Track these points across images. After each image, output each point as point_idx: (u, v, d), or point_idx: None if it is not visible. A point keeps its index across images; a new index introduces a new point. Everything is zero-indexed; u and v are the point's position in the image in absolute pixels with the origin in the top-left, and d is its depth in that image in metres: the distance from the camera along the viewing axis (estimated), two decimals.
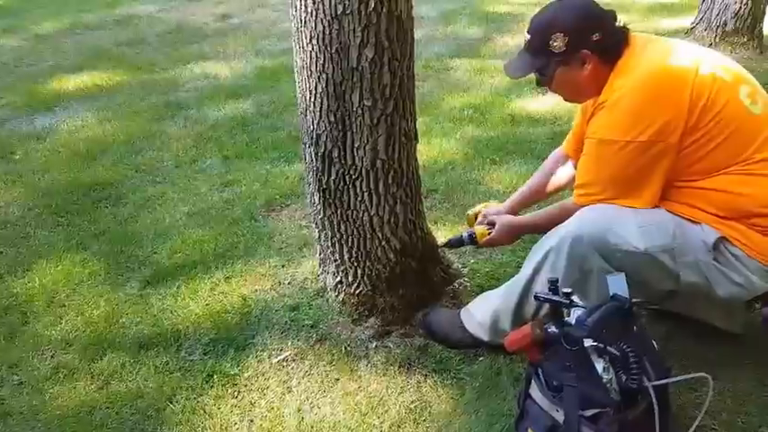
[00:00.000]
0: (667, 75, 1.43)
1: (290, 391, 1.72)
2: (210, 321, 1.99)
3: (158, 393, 1.73)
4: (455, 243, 1.87)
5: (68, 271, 2.29)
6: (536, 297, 1.41)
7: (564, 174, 1.85)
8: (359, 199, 1.72)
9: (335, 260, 1.86)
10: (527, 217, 1.81)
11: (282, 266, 2.24)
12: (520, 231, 1.80)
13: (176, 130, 3.42)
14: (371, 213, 1.74)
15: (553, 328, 1.31)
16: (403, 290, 1.89)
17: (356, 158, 1.65)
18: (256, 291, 2.12)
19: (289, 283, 2.15)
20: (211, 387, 1.75)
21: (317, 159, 1.69)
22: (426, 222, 1.95)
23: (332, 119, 1.60)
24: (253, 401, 1.70)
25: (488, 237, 1.78)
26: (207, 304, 2.08)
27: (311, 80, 1.59)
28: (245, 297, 2.09)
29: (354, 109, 1.58)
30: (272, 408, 1.67)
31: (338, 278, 1.89)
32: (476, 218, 1.88)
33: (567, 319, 1.36)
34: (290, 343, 1.88)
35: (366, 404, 1.65)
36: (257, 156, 3.07)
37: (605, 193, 1.47)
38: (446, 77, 3.96)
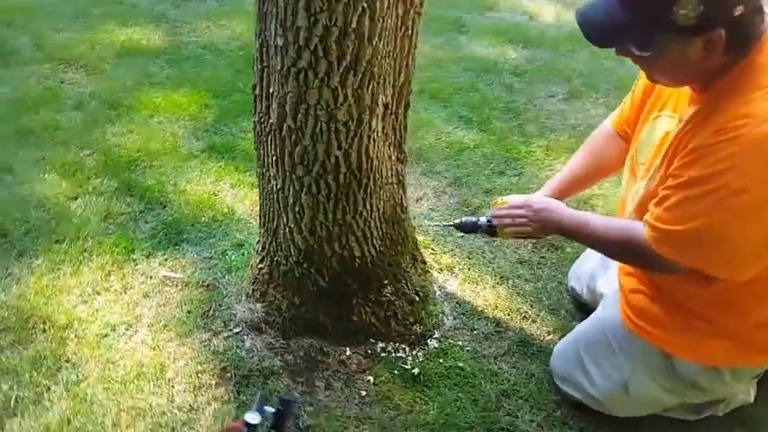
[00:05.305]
0: None
1: (136, 319, 1.66)
2: (206, 208, 2.05)
3: (74, 232, 1.91)
4: (468, 226, 1.50)
5: (180, 103, 2.60)
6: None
7: (614, 153, 1.52)
8: (270, 161, 1.43)
9: (257, 217, 1.64)
10: (578, 212, 1.41)
11: None
12: (561, 224, 1.38)
13: None
14: (278, 186, 1.45)
15: None
16: (298, 299, 1.57)
17: (270, 109, 1.35)
18: (247, 211, 2.05)
19: None
20: (102, 254, 1.84)
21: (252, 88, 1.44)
22: (369, 244, 1.51)
23: (257, 44, 1.33)
24: (110, 299, 1.71)
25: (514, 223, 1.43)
26: (214, 193, 2.13)
27: None
28: (233, 209, 2.05)
29: (271, 43, 1.27)
30: (106, 311, 1.67)
31: (256, 239, 1.68)
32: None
33: None
34: (192, 271, 1.81)
35: (134, 375, 1.51)
36: None
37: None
38: None
